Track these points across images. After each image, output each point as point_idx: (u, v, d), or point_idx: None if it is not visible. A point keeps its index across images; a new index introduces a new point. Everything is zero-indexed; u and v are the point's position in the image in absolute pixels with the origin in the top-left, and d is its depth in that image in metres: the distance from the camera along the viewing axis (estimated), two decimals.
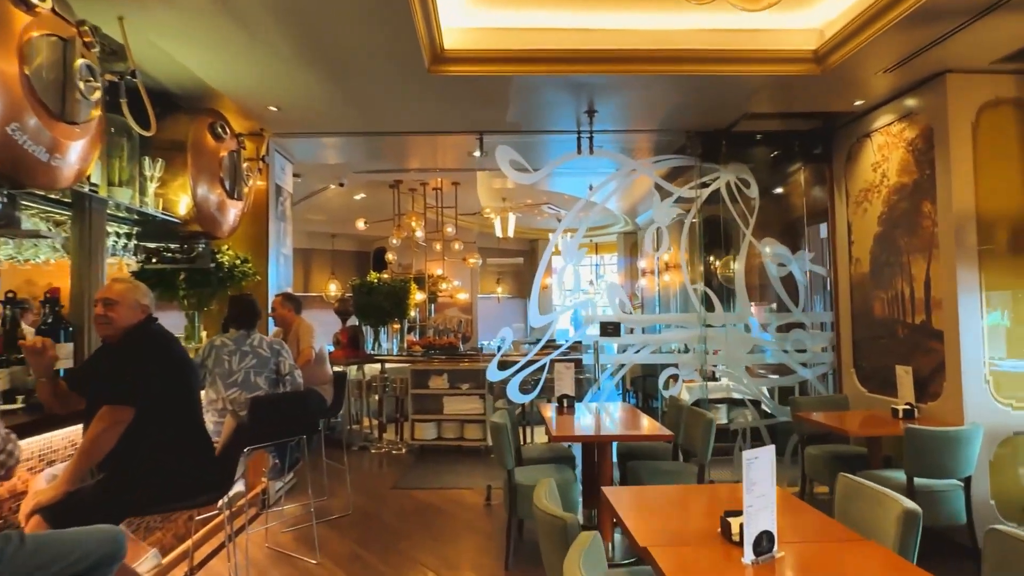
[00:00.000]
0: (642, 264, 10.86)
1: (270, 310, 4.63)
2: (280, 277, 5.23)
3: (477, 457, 6.24)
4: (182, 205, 3.95)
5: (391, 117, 4.71)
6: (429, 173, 6.77)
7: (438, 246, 7.96)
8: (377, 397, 6.72)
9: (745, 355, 5.28)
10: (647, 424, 4.02)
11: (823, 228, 5.57)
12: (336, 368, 5.21)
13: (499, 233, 10.08)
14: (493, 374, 5.12)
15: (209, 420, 3.27)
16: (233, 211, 4.36)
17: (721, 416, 5.75)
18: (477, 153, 5.30)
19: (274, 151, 5.13)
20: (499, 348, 5.36)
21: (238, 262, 4.60)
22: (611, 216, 12.32)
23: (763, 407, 5.40)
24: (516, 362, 5.38)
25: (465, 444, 6.42)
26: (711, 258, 6.30)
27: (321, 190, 7.21)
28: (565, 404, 4.52)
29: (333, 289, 10.31)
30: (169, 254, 4.16)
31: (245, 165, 4.47)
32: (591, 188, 8.68)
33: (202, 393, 3.32)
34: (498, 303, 13.64)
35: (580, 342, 6.56)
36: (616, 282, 13.59)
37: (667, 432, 3.68)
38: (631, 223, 11.88)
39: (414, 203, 8.04)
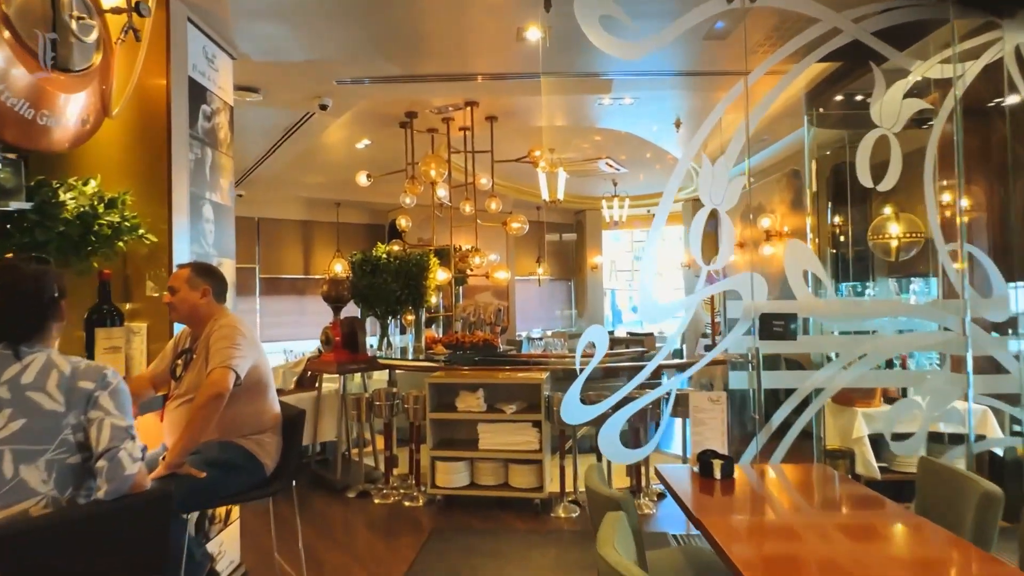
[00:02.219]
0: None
1: (167, 293, 2.50)
2: (202, 241, 3.10)
3: (532, 515, 4.11)
4: None
5: None
6: (453, 87, 4.54)
7: (468, 208, 5.77)
8: (383, 421, 4.61)
9: None
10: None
11: None
12: (287, 401, 3.08)
13: (545, 195, 7.83)
14: (573, 412, 2.92)
15: None
16: (70, 102, 2.23)
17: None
18: (535, 35, 3.08)
19: (186, 20, 2.97)
20: (576, 355, 3.12)
21: (102, 207, 2.48)
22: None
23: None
24: (604, 393, 3.21)
25: (512, 495, 4.27)
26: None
27: (301, 121, 5.07)
28: (716, 472, 2.32)
29: (339, 270, 8.24)
30: None
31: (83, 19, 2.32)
32: (678, 124, 6.40)
33: None
34: (539, 286, 11.44)
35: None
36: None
37: None
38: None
39: (434, 146, 5.87)
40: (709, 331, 10.99)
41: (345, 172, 7.75)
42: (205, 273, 2.53)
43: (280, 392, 5.20)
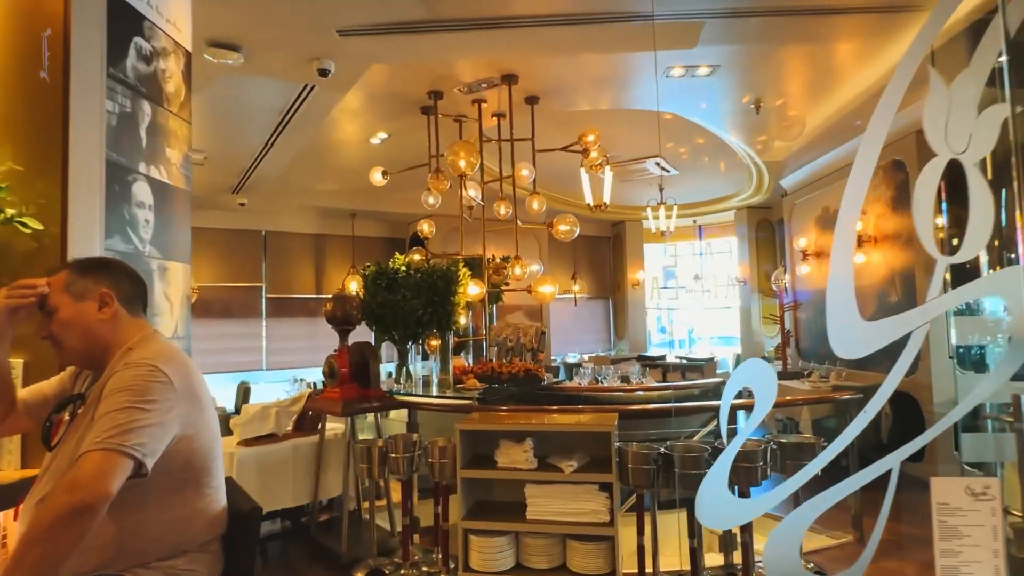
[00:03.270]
0: (802, 243, 7.31)
1: (42, 320, 1.48)
2: (131, 234, 2.11)
3: None
4: None
5: None
6: (489, 50, 3.54)
7: (503, 209, 4.76)
8: (399, 477, 3.55)
9: None
10: None
11: None
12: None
13: (589, 199, 6.81)
14: (723, 509, 1.81)
15: None
16: None
17: None
18: None
19: None
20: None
21: None
22: (732, 183, 8.88)
23: None
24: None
25: None
26: None
27: (300, 99, 4.11)
28: None
29: (354, 288, 7.27)
30: None
31: None
32: (757, 105, 5.32)
33: None
34: (575, 306, 10.35)
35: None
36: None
37: None
38: (763, 189, 8.36)
39: (463, 136, 4.88)
40: (769, 352, 9.78)
41: (359, 177, 6.82)
42: (97, 269, 1.52)
43: (271, 439, 4.20)
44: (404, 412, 4.13)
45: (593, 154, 4.61)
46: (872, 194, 5.89)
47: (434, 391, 4.10)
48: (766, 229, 9.78)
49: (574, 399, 4.76)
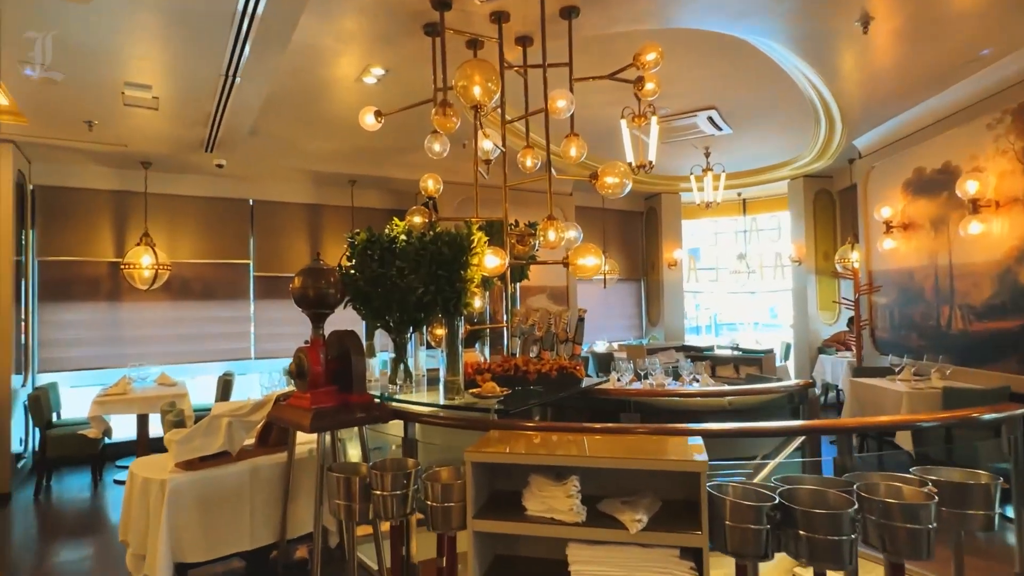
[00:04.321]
0: (885, 213, 6.10)
1: None
2: None
3: None
4: None
5: None
6: None
7: (529, 160, 3.68)
8: (392, 523, 2.52)
9: None
10: None
11: None
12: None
13: (631, 158, 5.68)
14: None
15: None
16: None
17: None
18: None
19: None
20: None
21: None
22: (791, 145, 7.65)
23: None
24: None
25: None
26: None
27: None
28: None
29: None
30: None
31: None
32: (865, 25, 4.05)
33: None
34: (603, 288, 9.25)
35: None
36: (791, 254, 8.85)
37: None
38: (830, 151, 7.12)
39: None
40: (825, 341, 8.60)
41: (356, 134, 5.76)
42: None
43: (222, 459, 3.11)
44: (399, 426, 3.09)
45: (650, 85, 3.48)
46: (993, 146, 4.69)
47: (440, 397, 3.06)
48: (825, 201, 8.55)
49: (624, 405, 3.69)
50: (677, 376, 5.22)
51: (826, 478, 2.24)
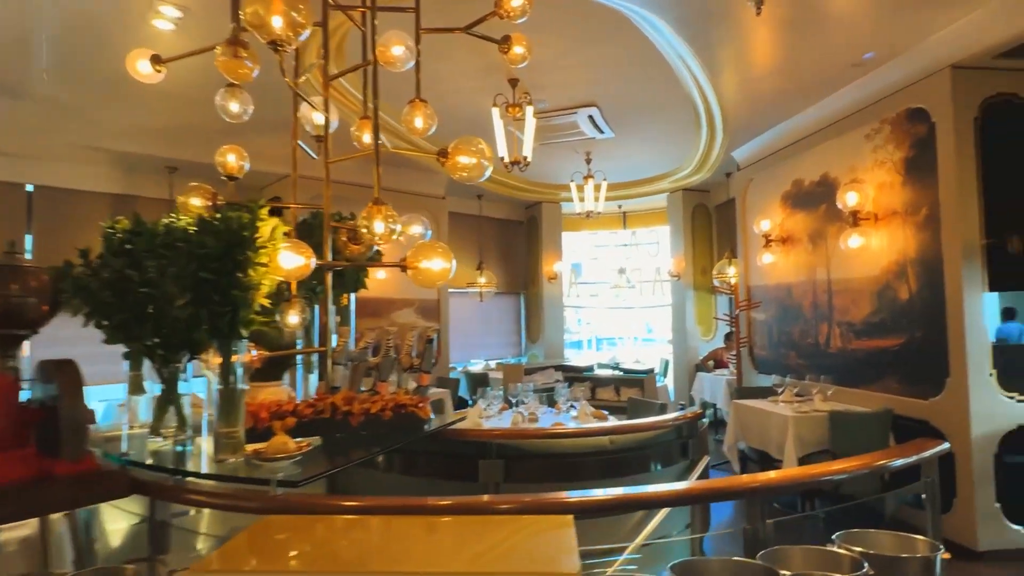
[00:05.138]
0: (764, 226, 5.89)
1: None
2: None
3: None
4: None
5: None
6: None
7: (367, 136, 2.82)
8: None
9: None
10: None
11: None
12: None
13: (502, 151, 4.98)
14: None
15: None
16: None
17: None
18: None
19: None
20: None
21: None
22: (671, 155, 7.42)
23: None
24: None
25: None
26: None
27: None
28: None
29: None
30: None
31: None
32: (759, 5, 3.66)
33: None
34: (479, 302, 8.53)
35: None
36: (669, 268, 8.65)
37: None
38: (709, 161, 6.94)
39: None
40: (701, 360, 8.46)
41: (177, 107, 4.60)
42: None
43: None
44: (145, 502, 2.07)
45: (518, 49, 2.77)
46: (872, 157, 4.52)
47: (203, 460, 2.09)
48: (702, 215, 8.46)
49: (484, 450, 2.91)
50: (552, 403, 4.56)
51: (739, 563, 1.60)
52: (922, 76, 4.02)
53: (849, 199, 4.52)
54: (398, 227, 2.35)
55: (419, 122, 2.69)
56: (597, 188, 7.09)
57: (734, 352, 6.50)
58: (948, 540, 3.72)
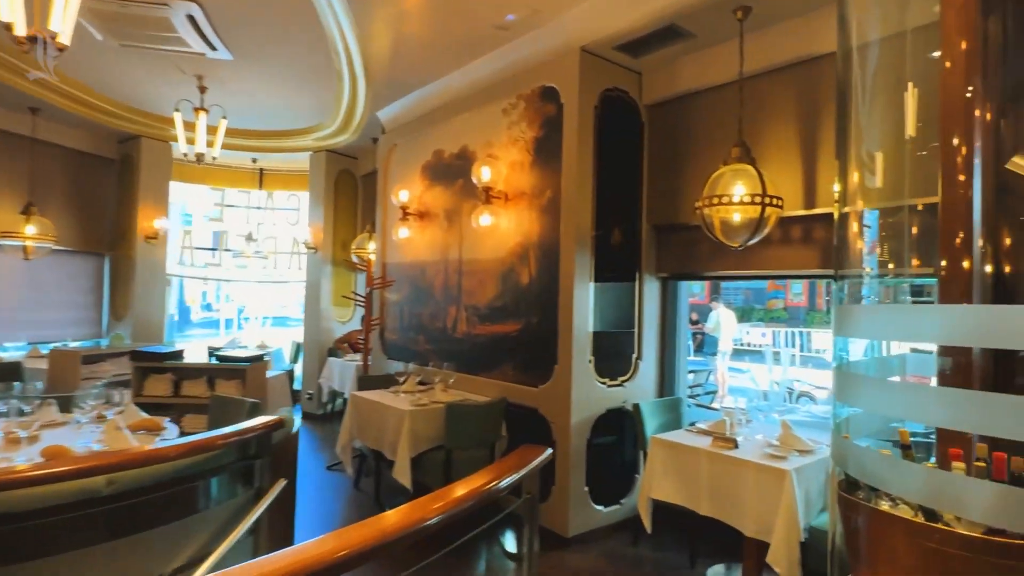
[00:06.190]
0: (403, 197, 5.32)
1: None
2: None
3: None
4: None
5: None
6: None
7: None
8: None
9: None
10: None
11: None
12: None
13: (7, 16, 3.17)
14: None
15: None
16: None
17: None
18: None
19: None
20: None
21: None
22: (313, 109, 6.33)
23: None
24: None
25: None
26: None
27: None
28: None
29: None
30: None
31: None
32: None
33: None
34: (26, 260, 6.01)
35: None
36: (306, 237, 7.55)
37: None
38: (353, 123, 6.16)
39: None
40: (335, 343, 7.63)
41: None
42: None
43: None
44: None
45: None
46: (507, 133, 4.30)
47: None
48: (348, 183, 7.63)
49: None
50: (78, 408, 3.08)
51: None
52: (556, 55, 3.90)
53: (484, 174, 4.22)
54: None
55: None
56: (215, 130, 5.57)
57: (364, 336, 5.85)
58: (543, 528, 3.65)
